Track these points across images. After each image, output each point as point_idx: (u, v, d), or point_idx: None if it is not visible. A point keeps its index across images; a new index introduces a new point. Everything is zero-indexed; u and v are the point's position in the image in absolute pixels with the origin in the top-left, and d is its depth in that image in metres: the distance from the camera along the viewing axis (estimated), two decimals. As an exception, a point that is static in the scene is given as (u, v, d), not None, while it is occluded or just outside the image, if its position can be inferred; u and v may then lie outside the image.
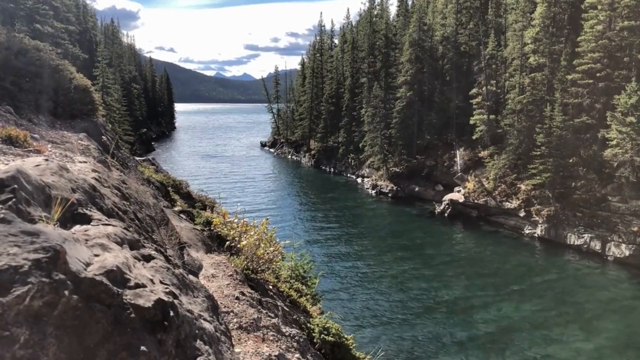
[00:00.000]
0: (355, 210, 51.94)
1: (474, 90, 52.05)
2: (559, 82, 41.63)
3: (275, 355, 5.61)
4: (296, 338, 6.80)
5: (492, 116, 49.90)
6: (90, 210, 3.03)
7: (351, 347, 8.24)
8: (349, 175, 69.96)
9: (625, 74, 37.76)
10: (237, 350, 5.06)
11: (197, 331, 2.79)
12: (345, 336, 8.33)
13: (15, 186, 2.45)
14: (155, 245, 3.71)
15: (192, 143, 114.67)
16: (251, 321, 6.18)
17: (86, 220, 2.91)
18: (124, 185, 4.55)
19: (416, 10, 65.31)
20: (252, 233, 8.75)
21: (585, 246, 36.80)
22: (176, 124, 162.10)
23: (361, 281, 31.30)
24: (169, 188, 13.80)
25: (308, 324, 8.03)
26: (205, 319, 3.15)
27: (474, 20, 57.71)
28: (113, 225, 2.96)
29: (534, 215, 40.92)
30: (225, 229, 9.42)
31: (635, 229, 34.59)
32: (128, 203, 4.14)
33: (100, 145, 10.88)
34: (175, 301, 2.59)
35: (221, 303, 6.02)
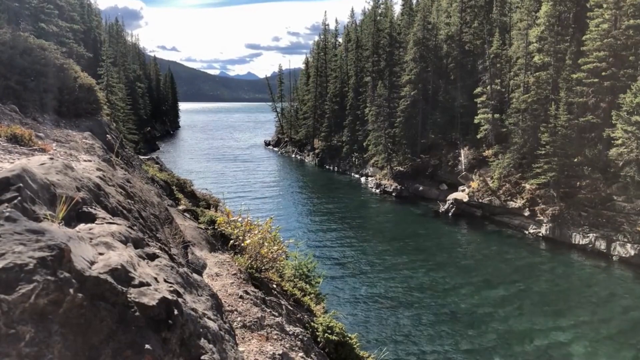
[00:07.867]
0: (359, 209, 51.90)
1: (479, 89, 51.91)
2: (564, 81, 41.45)
3: (279, 354, 5.61)
4: (300, 337, 6.80)
5: (496, 115, 49.76)
6: (94, 209, 3.04)
7: (355, 346, 8.24)
8: (352, 174, 69.91)
9: (630, 73, 37.62)
10: (241, 349, 5.06)
11: (201, 330, 2.79)
12: (349, 335, 8.34)
13: (21, 185, 2.46)
14: (159, 244, 3.72)
15: (196, 142, 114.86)
16: (255, 320, 6.18)
17: (91, 218, 2.91)
18: (129, 184, 4.56)
19: (420, 8, 65.20)
20: (256, 232, 8.76)
21: (590, 246, 36.66)
22: (180, 123, 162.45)
23: (365, 280, 31.30)
24: (173, 187, 13.84)
25: (312, 323, 8.03)
26: (209, 318, 3.16)
27: (478, 19, 57.56)
28: (117, 224, 2.96)
29: (539, 215, 40.78)
30: (229, 227, 9.43)
31: (641, 228, 34.43)
32: (132, 202, 4.15)
33: (105, 144, 10.91)
34: (180, 300, 2.59)
35: (225, 302, 6.03)
